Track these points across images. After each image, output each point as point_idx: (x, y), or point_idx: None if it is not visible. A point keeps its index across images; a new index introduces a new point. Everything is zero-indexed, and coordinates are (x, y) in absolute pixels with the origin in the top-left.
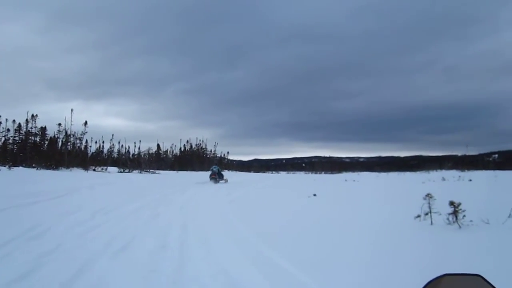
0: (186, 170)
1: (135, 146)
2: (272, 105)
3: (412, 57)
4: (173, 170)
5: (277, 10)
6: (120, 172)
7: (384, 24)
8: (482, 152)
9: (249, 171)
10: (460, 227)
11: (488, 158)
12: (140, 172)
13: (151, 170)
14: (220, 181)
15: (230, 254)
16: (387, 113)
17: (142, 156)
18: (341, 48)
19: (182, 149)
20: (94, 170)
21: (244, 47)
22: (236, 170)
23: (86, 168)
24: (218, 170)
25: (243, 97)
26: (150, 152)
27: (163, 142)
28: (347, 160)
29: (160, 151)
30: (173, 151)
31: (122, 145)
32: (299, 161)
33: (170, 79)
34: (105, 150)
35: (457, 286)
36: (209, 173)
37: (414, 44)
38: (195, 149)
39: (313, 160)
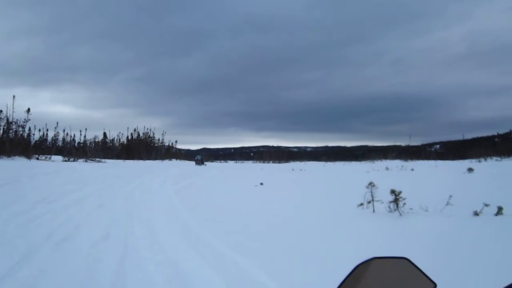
0: (133, 159)
1: (80, 134)
2: (222, 94)
3: (362, 49)
4: (120, 159)
5: None
6: (65, 160)
7: (336, 15)
8: (424, 142)
9: None
10: (400, 214)
11: (430, 149)
12: (86, 161)
13: (97, 159)
14: (202, 165)
15: (174, 240)
16: (335, 104)
17: (88, 144)
18: (293, 39)
19: (130, 137)
20: (38, 158)
21: (197, 34)
22: (184, 159)
23: (29, 156)
24: (201, 158)
25: (194, 85)
26: (97, 140)
27: (109, 131)
28: (295, 149)
29: (107, 140)
30: (120, 139)
31: (67, 133)
32: (247, 151)
33: (120, 66)
34: (49, 139)
35: (385, 268)
36: (157, 161)
37: (364, 36)
38: (142, 138)
39: (261, 149)
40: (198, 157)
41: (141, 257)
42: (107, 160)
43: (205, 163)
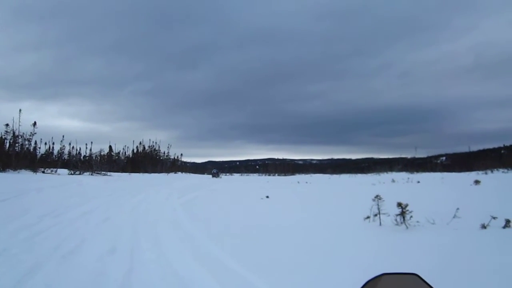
0: (139, 172)
1: (86, 148)
2: (229, 107)
3: (369, 61)
4: (125, 172)
5: (240, 11)
6: (71, 174)
7: (343, 28)
8: (430, 154)
9: (202, 173)
10: (407, 227)
11: (436, 161)
12: (91, 174)
13: (102, 172)
14: (218, 178)
15: (177, 250)
16: (341, 116)
17: (94, 157)
18: (301, 51)
19: (135, 150)
20: (44, 172)
21: (205, 48)
22: (189, 172)
23: (35, 170)
24: (217, 171)
25: (200, 98)
26: (102, 153)
27: (115, 144)
28: (300, 162)
29: (112, 153)
30: (125, 152)
31: (73, 147)
32: (252, 163)
33: (128, 80)
34: (55, 152)
35: (394, 285)
36: (162, 174)
37: (371, 48)
38: (148, 151)
39: (266, 162)
40: (214, 170)
41: (147, 271)
42: (112, 174)
43: (220, 176)
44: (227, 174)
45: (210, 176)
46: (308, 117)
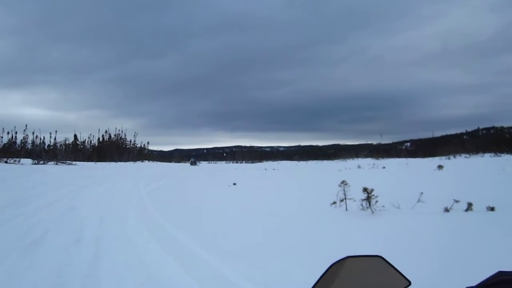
0: (105, 161)
1: (50, 137)
2: (196, 95)
3: (337, 49)
4: (91, 161)
5: None
6: (35, 163)
7: (312, 16)
8: (395, 140)
9: (170, 161)
10: (373, 212)
11: (401, 147)
12: (56, 164)
13: (67, 162)
14: (195, 166)
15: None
16: (309, 104)
17: (59, 147)
18: (270, 39)
19: (101, 139)
20: (6, 162)
21: (174, 34)
22: (156, 160)
23: None
24: (195, 160)
25: (168, 86)
26: (67, 143)
27: (80, 133)
28: (268, 149)
29: (78, 142)
30: (91, 141)
31: (36, 136)
32: (220, 151)
33: (94, 67)
34: (18, 141)
35: (359, 266)
36: (129, 163)
37: (339, 36)
38: (114, 140)
39: (234, 149)
40: (192, 159)
41: (113, 261)
42: (78, 163)
43: (198, 164)
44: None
45: (186, 164)
46: (276, 104)
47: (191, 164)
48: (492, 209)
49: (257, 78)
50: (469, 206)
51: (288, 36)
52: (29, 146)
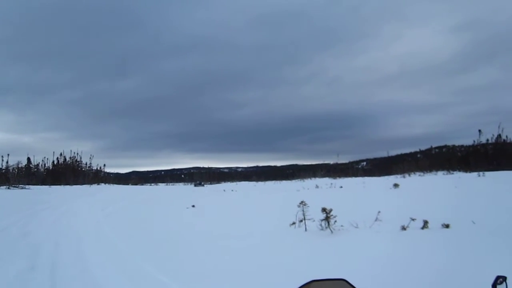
0: (60, 184)
1: (2, 160)
2: (157, 116)
3: (301, 69)
4: (45, 184)
5: (172, 19)
6: None
7: (276, 37)
8: (352, 160)
9: (126, 183)
10: (332, 232)
11: (357, 166)
12: (8, 188)
13: (20, 185)
14: (201, 187)
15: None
16: (267, 125)
17: (11, 170)
18: (232, 59)
19: (55, 162)
20: None
21: (137, 55)
22: (112, 183)
23: None
24: (200, 182)
25: (128, 108)
26: (20, 166)
27: (34, 156)
28: (226, 170)
29: (31, 165)
30: (45, 164)
31: None
32: (178, 172)
33: (55, 88)
34: None
35: None
36: (85, 186)
37: (303, 57)
38: (69, 162)
39: (192, 171)
40: (198, 181)
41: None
42: (31, 187)
43: (204, 185)
44: (152, 184)
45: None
46: (235, 125)
47: (195, 185)
48: (447, 226)
49: (218, 100)
50: (425, 224)
51: (251, 58)
52: None
